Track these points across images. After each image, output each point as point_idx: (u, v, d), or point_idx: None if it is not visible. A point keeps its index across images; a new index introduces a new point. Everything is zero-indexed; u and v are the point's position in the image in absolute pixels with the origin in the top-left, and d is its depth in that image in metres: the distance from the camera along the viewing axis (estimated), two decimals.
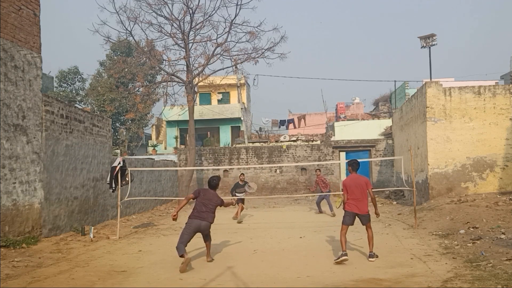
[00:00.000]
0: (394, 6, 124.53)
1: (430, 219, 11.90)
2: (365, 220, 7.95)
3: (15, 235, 9.14)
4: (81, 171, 12.20)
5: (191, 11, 20.17)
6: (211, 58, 20.88)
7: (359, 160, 8.45)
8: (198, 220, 7.86)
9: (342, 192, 8.15)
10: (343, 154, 25.24)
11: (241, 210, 14.78)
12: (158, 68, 22.48)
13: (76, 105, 25.77)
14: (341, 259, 7.51)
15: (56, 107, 10.93)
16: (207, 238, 8.20)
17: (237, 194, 14.70)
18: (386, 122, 28.70)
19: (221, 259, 8.31)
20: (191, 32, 20.82)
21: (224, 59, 22.00)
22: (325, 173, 23.11)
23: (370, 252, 7.82)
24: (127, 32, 20.21)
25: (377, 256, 7.79)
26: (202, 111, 31.29)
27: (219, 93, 29.71)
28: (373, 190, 8.13)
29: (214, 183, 8.44)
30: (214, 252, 9.00)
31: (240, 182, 14.97)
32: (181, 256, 7.44)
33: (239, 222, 14.03)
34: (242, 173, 15.66)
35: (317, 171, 16.27)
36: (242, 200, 14.76)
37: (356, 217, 7.96)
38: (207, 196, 8.15)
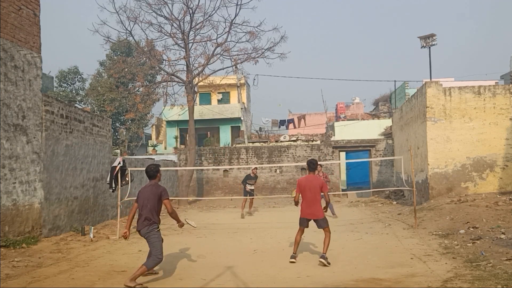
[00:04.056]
0: (394, 6, 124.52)
1: (430, 219, 11.90)
2: (321, 224, 7.80)
3: (15, 235, 9.14)
4: (81, 171, 12.19)
5: (191, 11, 20.18)
6: (211, 58, 20.88)
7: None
8: (139, 228, 6.76)
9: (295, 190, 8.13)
10: (343, 154, 25.23)
11: (251, 206, 16.36)
12: (158, 68, 22.47)
13: (76, 105, 25.77)
14: (290, 260, 7.69)
15: (56, 107, 10.93)
16: (150, 253, 6.69)
17: (248, 185, 16.06)
18: (386, 122, 28.69)
19: (221, 259, 8.30)
20: (191, 32, 20.83)
21: (224, 59, 22.03)
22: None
23: (323, 253, 7.64)
24: (127, 32, 20.22)
25: (328, 263, 7.48)
26: (202, 111, 31.28)
27: (219, 93, 29.72)
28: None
29: (151, 172, 6.90)
30: (214, 252, 9.00)
31: (252, 175, 16.23)
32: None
33: (243, 217, 15.23)
34: (255, 167, 16.97)
35: (319, 166, 15.73)
36: (253, 192, 16.17)
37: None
38: (144, 195, 6.76)
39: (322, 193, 7.89)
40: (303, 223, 8.00)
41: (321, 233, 8.25)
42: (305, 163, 21.40)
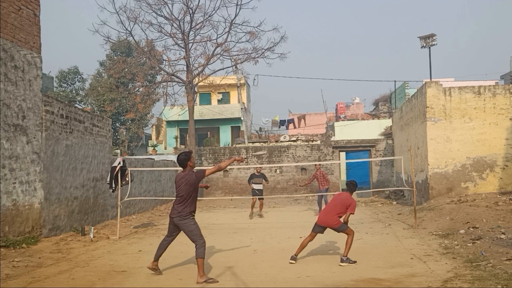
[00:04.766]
0: (394, 6, 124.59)
1: (430, 219, 11.90)
2: (339, 230, 7.86)
3: (15, 235, 9.14)
4: (81, 171, 12.19)
5: (191, 11, 20.22)
6: (211, 58, 20.92)
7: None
8: (171, 217, 6.89)
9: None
10: (343, 154, 25.24)
11: (261, 207, 15.49)
12: (158, 68, 22.49)
13: (76, 105, 25.77)
14: (289, 261, 7.75)
15: (56, 107, 10.93)
16: (193, 242, 6.74)
17: (253, 185, 15.32)
18: (386, 122, 28.71)
19: (221, 259, 8.30)
20: (191, 32, 20.88)
21: (224, 59, 22.09)
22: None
23: (342, 256, 7.65)
24: (127, 32, 20.27)
25: (352, 262, 7.54)
26: (202, 111, 31.29)
27: (219, 93, 29.75)
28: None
29: (181, 158, 6.78)
30: (214, 252, 9.00)
31: (257, 173, 15.53)
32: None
33: (251, 218, 14.93)
34: (259, 167, 16.30)
35: (317, 164, 15.90)
36: (260, 192, 15.36)
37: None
38: (178, 183, 6.75)
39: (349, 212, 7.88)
40: (316, 228, 7.99)
41: (326, 234, 8.27)
42: (305, 163, 21.64)
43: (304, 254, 8.57)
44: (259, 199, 15.34)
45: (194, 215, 6.86)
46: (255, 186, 15.29)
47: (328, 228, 8.01)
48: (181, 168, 6.93)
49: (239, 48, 27.66)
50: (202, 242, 6.71)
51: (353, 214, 7.96)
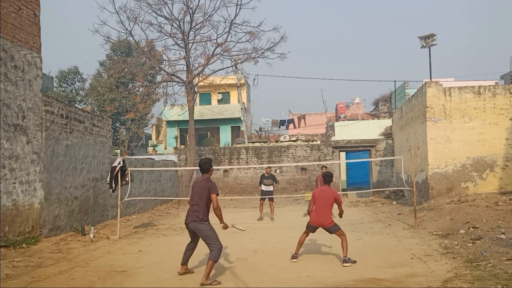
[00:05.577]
0: (394, 7, 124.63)
1: (430, 219, 11.91)
2: (331, 231, 7.93)
3: (15, 235, 9.14)
4: (81, 171, 12.20)
5: (191, 11, 20.17)
6: (211, 58, 20.88)
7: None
8: (187, 221, 6.91)
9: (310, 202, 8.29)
10: (343, 154, 25.22)
11: (272, 210, 15.10)
12: (158, 68, 22.46)
13: (76, 105, 25.77)
14: (291, 260, 7.89)
15: (56, 107, 10.93)
16: (209, 246, 6.73)
17: (262, 186, 15.08)
18: (386, 122, 28.69)
19: (221, 259, 8.29)
20: (191, 32, 20.83)
21: (224, 59, 22.02)
22: None
23: (344, 257, 7.65)
24: (127, 32, 20.21)
25: (353, 262, 7.59)
26: (202, 111, 31.28)
27: (219, 93, 29.72)
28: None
29: (205, 162, 6.99)
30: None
31: (266, 174, 15.22)
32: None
33: (261, 219, 14.68)
34: (268, 166, 16.02)
35: (324, 168, 15.67)
36: (269, 194, 15.00)
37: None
38: (196, 189, 6.89)
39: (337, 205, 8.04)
40: (310, 228, 8.11)
41: (320, 232, 8.27)
42: (305, 163, 21.59)
43: (304, 254, 8.58)
44: (268, 199, 14.98)
45: (208, 221, 6.88)
46: (264, 188, 15.02)
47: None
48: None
49: (239, 48, 27.66)
50: (219, 246, 6.71)
51: (342, 203, 8.14)
